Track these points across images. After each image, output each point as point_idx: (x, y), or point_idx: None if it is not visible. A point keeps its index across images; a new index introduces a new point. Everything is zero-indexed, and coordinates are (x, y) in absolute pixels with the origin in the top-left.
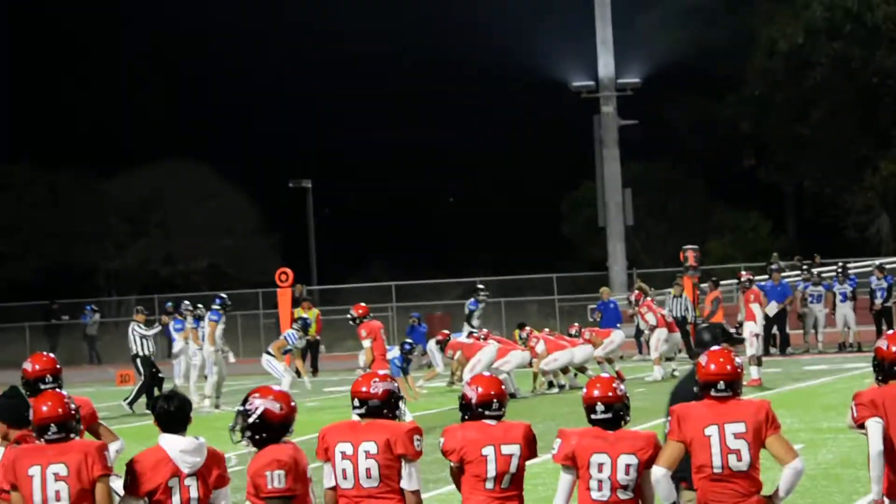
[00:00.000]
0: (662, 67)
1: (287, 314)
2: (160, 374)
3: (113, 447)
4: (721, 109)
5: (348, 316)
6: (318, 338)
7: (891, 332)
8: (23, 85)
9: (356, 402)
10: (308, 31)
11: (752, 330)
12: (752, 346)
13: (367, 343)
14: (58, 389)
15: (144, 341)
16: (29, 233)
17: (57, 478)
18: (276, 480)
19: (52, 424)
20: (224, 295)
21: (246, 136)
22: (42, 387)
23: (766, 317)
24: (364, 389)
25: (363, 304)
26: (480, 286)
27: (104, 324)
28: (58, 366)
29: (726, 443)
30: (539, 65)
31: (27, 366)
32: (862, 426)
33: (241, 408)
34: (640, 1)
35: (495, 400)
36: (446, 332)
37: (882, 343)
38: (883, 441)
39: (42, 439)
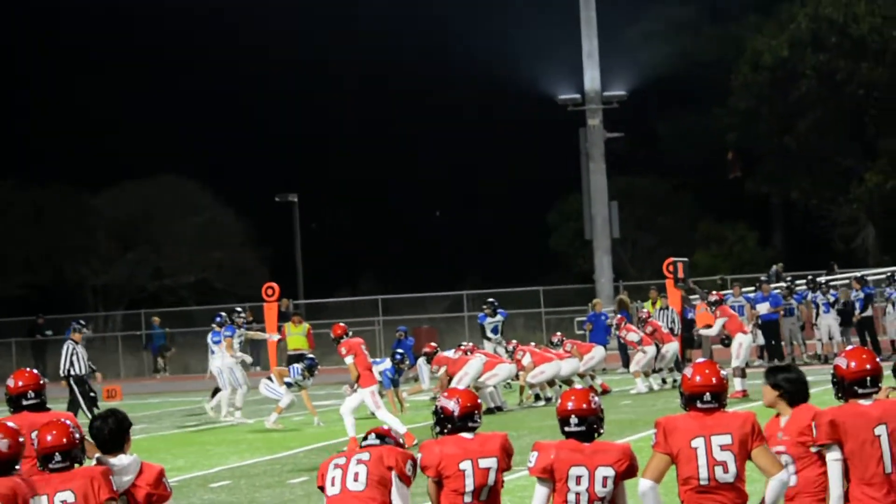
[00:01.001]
0: (649, 80)
1: (273, 329)
2: (93, 394)
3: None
4: (707, 122)
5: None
6: (306, 352)
7: (849, 348)
8: (8, 100)
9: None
10: (295, 47)
11: (739, 341)
12: (738, 358)
13: (348, 360)
14: (41, 406)
15: (76, 360)
16: (15, 248)
17: None
18: None
19: (57, 453)
20: (239, 308)
21: (233, 151)
22: (24, 403)
23: (758, 327)
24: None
25: (341, 324)
26: (490, 300)
27: (90, 339)
28: (41, 382)
29: (713, 454)
30: (525, 77)
31: (10, 382)
32: (823, 446)
33: None
34: (626, 14)
35: (476, 412)
36: (434, 344)
37: (840, 361)
38: (843, 475)
39: (47, 468)
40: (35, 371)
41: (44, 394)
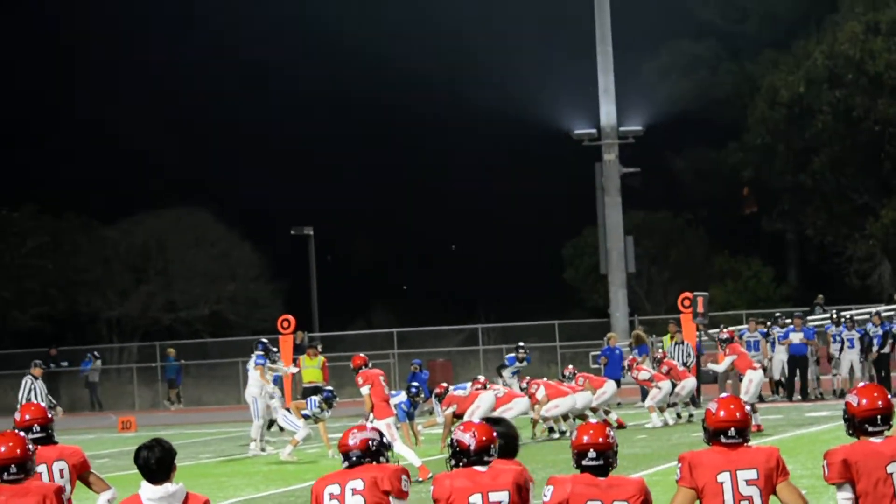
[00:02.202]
0: (665, 115)
1: (289, 361)
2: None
3: (104, 496)
4: (723, 157)
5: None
6: (321, 384)
7: (861, 385)
8: (23, 131)
9: (341, 457)
10: (309, 80)
11: (749, 378)
12: (747, 394)
13: (364, 390)
14: (47, 439)
15: (34, 395)
16: (30, 279)
17: None
18: None
19: (13, 465)
20: (265, 340)
21: (247, 184)
22: (30, 436)
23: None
24: (344, 442)
25: (361, 355)
26: (521, 344)
27: (105, 371)
28: (49, 416)
29: (739, 490)
30: (541, 112)
31: (17, 415)
32: (836, 485)
33: None
34: (642, 49)
35: (491, 445)
36: (444, 384)
37: (851, 398)
38: None
39: (1, 479)
40: (42, 405)
41: (50, 427)
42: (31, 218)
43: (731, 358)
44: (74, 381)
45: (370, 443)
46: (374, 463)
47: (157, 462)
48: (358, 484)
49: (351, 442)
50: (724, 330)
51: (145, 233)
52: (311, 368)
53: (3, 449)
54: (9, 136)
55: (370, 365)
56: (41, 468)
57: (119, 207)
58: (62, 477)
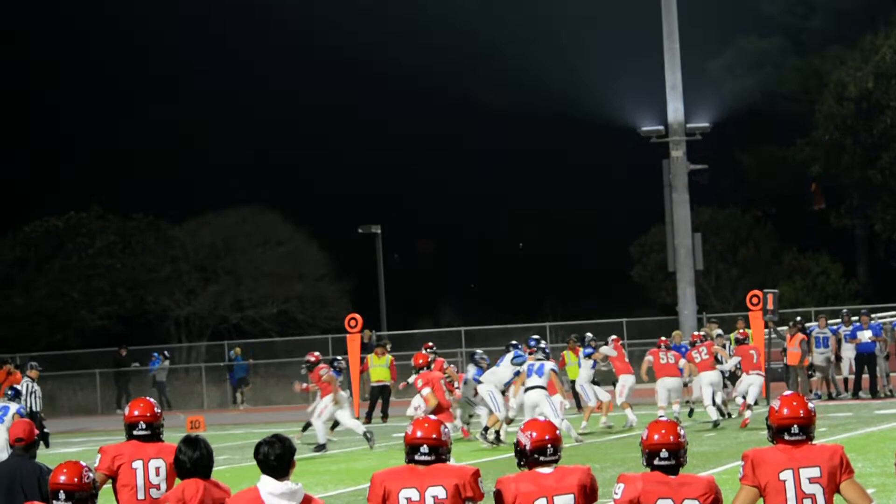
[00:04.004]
0: (732, 112)
1: (356, 360)
2: (45, 430)
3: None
4: (791, 154)
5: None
6: (389, 384)
7: None
8: (93, 131)
9: (424, 449)
10: (377, 80)
11: (750, 381)
12: (751, 396)
13: (426, 391)
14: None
15: (33, 398)
16: (99, 280)
17: None
18: None
19: (62, 491)
20: (340, 357)
21: (315, 183)
22: (135, 433)
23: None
24: (413, 435)
25: (424, 353)
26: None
27: (173, 370)
28: (157, 412)
29: (801, 487)
30: (609, 109)
31: (126, 409)
32: None
33: None
34: (709, 46)
35: (549, 445)
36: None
37: None
38: None
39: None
40: (152, 401)
41: (157, 425)
42: (99, 218)
43: (737, 359)
44: (144, 381)
45: (442, 437)
46: (443, 462)
47: (277, 458)
48: (440, 492)
49: (419, 434)
50: (741, 331)
51: (213, 232)
52: (379, 367)
53: (61, 477)
54: (78, 136)
55: (432, 367)
56: (137, 464)
57: (187, 207)
58: (158, 475)
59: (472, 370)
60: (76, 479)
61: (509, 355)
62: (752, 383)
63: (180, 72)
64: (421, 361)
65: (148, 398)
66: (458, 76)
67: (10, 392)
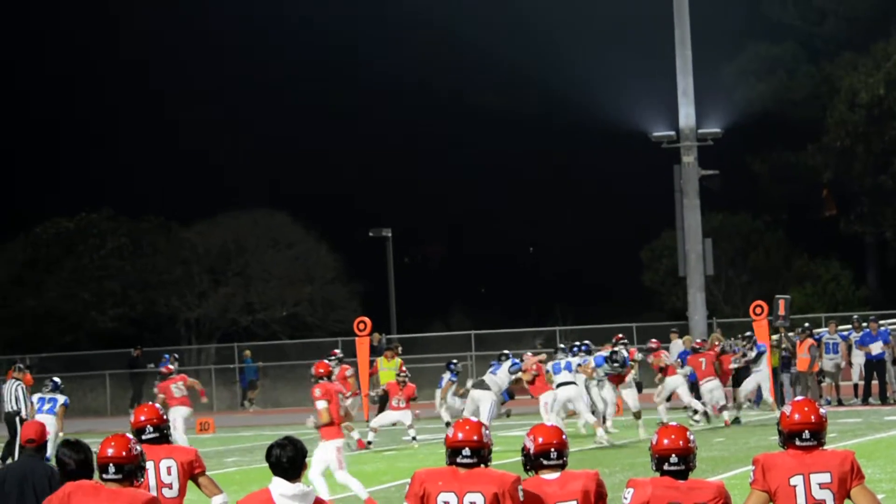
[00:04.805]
0: (743, 117)
1: (365, 363)
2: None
3: (216, 500)
4: (802, 160)
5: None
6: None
7: None
8: (103, 132)
9: (466, 452)
10: (388, 83)
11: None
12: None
13: (321, 405)
14: (160, 439)
15: (27, 402)
16: (109, 281)
17: None
18: None
19: (111, 465)
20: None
21: (325, 185)
22: (143, 437)
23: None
24: (454, 438)
25: (326, 362)
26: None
27: (183, 372)
28: (162, 416)
29: (811, 493)
30: (619, 115)
31: (132, 416)
32: None
33: None
34: (720, 51)
35: (553, 450)
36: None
37: None
38: None
39: (102, 477)
40: (156, 405)
41: (163, 427)
42: (110, 220)
43: (689, 369)
44: (154, 383)
45: (484, 439)
46: (486, 464)
47: (289, 460)
48: (478, 498)
49: (461, 437)
50: (696, 341)
51: (223, 234)
52: (388, 371)
53: (109, 450)
54: (89, 137)
55: (334, 378)
56: (148, 465)
57: (197, 209)
58: (169, 474)
59: (447, 376)
60: (124, 453)
61: (507, 363)
62: (710, 389)
63: (192, 72)
64: (321, 371)
65: (152, 403)
66: (467, 81)
67: (50, 384)
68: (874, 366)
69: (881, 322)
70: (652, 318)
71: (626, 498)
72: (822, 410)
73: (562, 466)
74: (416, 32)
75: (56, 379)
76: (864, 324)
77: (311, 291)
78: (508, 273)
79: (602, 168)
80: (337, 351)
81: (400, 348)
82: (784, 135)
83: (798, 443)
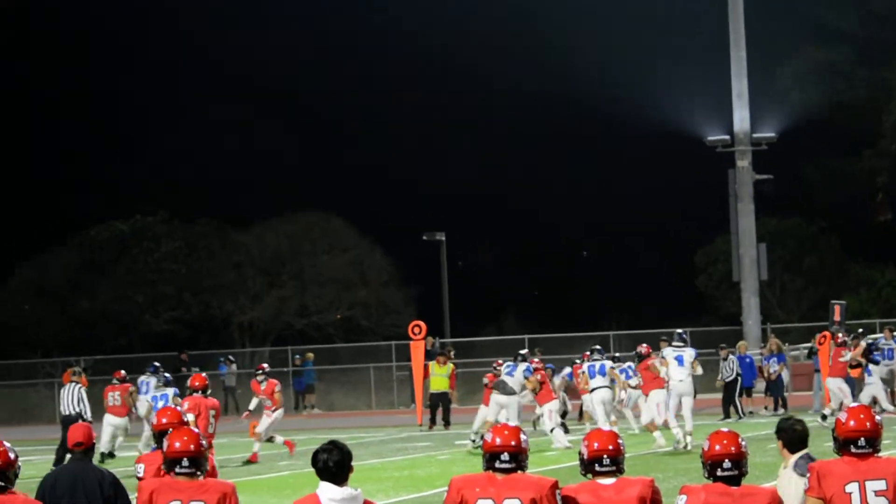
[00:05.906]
0: (798, 122)
1: (420, 367)
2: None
3: None
4: (857, 164)
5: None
6: (448, 392)
7: None
8: (158, 137)
9: (505, 457)
10: (444, 88)
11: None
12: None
13: (190, 417)
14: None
15: (73, 402)
16: (164, 284)
17: None
18: None
19: (185, 459)
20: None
21: (380, 189)
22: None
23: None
24: (492, 443)
25: (202, 376)
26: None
27: (238, 375)
28: (183, 419)
29: (867, 500)
30: (674, 119)
31: (153, 419)
32: None
33: None
34: (775, 55)
35: (606, 456)
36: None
37: None
38: None
39: (172, 472)
40: (177, 409)
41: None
42: (164, 223)
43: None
44: (212, 386)
45: (522, 444)
46: (523, 469)
47: (335, 464)
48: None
49: (499, 442)
50: (644, 347)
51: (278, 238)
52: (439, 377)
53: (178, 444)
54: (144, 141)
55: (209, 392)
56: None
57: (252, 213)
58: None
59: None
60: (192, 447)
61: (522, 366)
62: (657, 401)
63: (249, 72)
64: (197, 384)
65: (173, 405)
66: (522, 87)
67: (162, 379)
68: None
69: None
70: (706, 323)
71: None
72: (877, 418)
73: (617, 472)
74: (476, 37)
75: (167, 374)
76: None
77: (366, 295)
78: (562, 277)
79: (656, 172)
80: (265, 365)
81: (452, 352)
82: (839, 139)
83: (853, 450)
